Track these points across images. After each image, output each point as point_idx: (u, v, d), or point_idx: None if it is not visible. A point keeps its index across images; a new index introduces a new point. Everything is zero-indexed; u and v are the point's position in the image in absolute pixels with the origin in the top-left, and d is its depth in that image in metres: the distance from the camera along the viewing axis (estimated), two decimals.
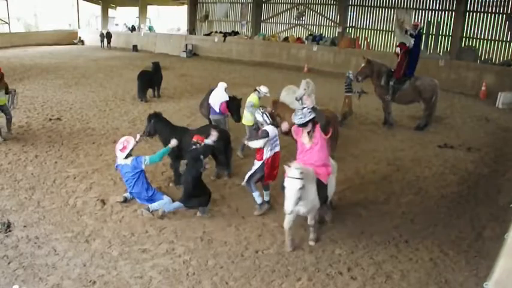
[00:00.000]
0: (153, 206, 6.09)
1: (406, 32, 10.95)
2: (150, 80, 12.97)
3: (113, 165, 7.75)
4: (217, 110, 8.38)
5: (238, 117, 8.62)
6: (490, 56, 17.36)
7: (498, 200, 7.04)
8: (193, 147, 6.09)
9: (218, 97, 8.43)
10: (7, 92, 9.14)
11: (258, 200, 6.26)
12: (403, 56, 10.54)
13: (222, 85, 8.63)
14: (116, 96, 13.57)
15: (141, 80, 12.72)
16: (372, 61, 10.76)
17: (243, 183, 6.26)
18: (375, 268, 5.10)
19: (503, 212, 6.27)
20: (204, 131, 7.03)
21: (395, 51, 11.73)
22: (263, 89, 8.43)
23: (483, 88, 15.20)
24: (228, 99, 8.44)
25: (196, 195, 6.01)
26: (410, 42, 10.64)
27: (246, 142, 6.39)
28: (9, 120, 9.23)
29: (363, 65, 10.79)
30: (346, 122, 10.72)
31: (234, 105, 8.57)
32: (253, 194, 6.23)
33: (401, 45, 10.71)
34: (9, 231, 5.53)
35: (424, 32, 19.03)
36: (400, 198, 7.04)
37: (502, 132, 11.05)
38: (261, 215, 6.22)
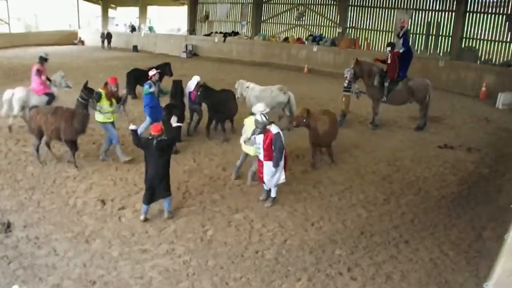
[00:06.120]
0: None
1: (398, 35, 11.03)
2: (137, 77, 13.19)
3: (113, 165, 7.81)
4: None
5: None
6: (490, 56, 17.32)
7: (498, 200, 7.05)
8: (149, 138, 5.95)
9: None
10: (118, 101, 8.08)
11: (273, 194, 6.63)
12: (393, 58, 10.52)
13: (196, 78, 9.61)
14: None
15: (127, 77, 13.32)
16: (361, 61, 10.69)
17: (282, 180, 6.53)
18: (374, 268, 5.11)
19: (503, 212, 6.27)
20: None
21: (386, 56, 10.95)
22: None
23: (483, 89, 15.18)
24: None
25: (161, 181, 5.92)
26: (399, 44, 10.64)
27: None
28: (115, 139, 7.89)
29: (352, 65, 10.74)
30: (345, 123, 10.71)
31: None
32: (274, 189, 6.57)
33: (391, 47, 10.69)
34: (9, 231, 5.54)
35: (425, 32, 19.11)
36: (400, 198, 7.04)
37: (502, 132, 11.03)
38: (261, 216, 6.23)
